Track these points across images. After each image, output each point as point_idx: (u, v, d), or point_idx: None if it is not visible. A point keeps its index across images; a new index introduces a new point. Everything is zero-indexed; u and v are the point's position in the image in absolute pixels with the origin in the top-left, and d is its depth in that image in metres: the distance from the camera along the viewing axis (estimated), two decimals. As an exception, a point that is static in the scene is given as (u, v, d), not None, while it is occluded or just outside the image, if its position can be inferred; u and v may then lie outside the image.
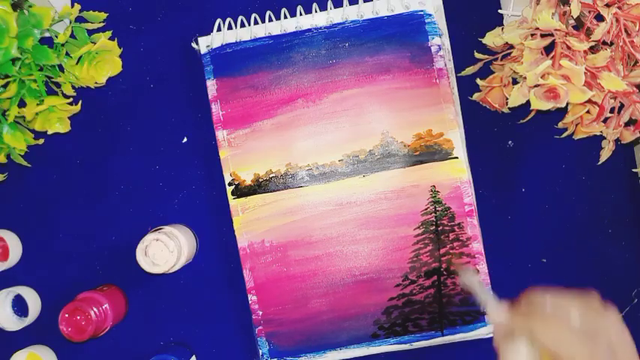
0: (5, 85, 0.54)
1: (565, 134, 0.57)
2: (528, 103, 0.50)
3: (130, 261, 0.56)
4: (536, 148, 0.59)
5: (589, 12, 0.48)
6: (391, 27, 0.56)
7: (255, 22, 0.57)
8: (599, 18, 0.47)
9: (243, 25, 0.57)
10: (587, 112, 0.52)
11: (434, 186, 0.56)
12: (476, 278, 0.48)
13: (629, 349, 0.38)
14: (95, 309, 0.54)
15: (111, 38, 0.58)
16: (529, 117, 0.57)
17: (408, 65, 0.56)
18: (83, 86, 0.58)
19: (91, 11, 0.57)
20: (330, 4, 0.57)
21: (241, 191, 0.56)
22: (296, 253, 0.56)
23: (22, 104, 0.55)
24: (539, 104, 0.49)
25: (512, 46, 0.53)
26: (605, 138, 0.55)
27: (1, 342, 0.60)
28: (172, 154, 0.60)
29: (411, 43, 0.56)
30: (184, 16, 0.60)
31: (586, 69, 0.47)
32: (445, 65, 0.56)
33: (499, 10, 0.56)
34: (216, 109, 0.57)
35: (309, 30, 0.56)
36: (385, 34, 0.56)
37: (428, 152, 0.56)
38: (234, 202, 0.56)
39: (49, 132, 0.57)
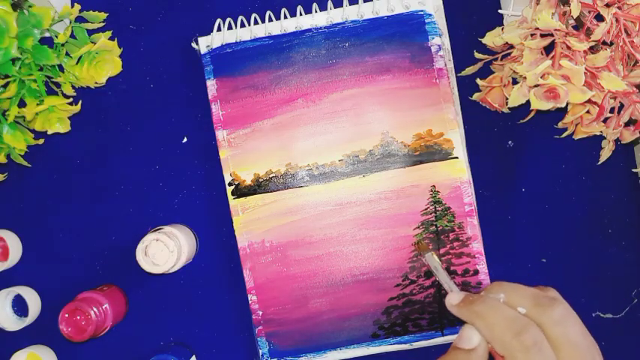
0: (5, 85, 0.54)
1: (565, 134, 0.57)
2: (528, 103, 0.50)
3: (130, 261, 0.56)
4: (536, 148, 0.59)
5: (589, 12, 0.48)
6: (391, 27, 0.56)
7: (255, 22, 0.57)
8: (599, 18, 0.47)
9: (243, 25, 0.57)
10: (587, 112, 0.52)
11: (434, 186, 0.56)
12: (438, 263, 0.49)
13: (572, 343, 0.37)
14: (95, 309, 0.54)
15: (111, 38, 0.58)
16: (529, 117, 0.57)
17: (408, 65, 0.56)
18: (83, 86, 0.58)
19: (91, 11, 0.57)
20: (330, 4, 0.57)
21: (241, 191, 0.56)
22: (296, 253, 0.56)
23: (22, 104, 0.55)
24: (539, 104, 0.49)
25: (512, 46, 0.53)
26: (605, 138, 0.55)
27: (1, 342, 0.60)
28: (172, 154, 0.60)
29: (411, 43, 0.56)
30: (184, 16, 0.60)
31: (586, 69, 0.47)
32: (445, 65, 0.56)
33: (499, 10, 0.56)
34: (216, 109, 0.57)
35: (309, 30, 0.56)
36: (385, 34, 0.56)
37: (428, 152, 0.56)
38: (234, 202, 0.56)
39: (49, 132, 0.57)
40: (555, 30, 0.48)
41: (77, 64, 0.56)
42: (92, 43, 0.56)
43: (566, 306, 0.39)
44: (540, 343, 0.37)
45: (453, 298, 0.42)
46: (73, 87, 0.58)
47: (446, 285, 0.47)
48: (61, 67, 0.57)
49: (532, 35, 0.50)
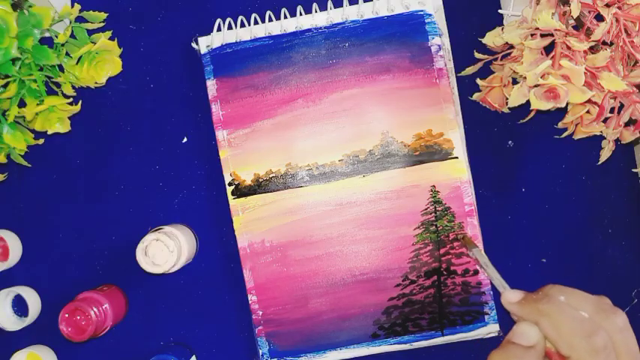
0: (5, 85, 0.54)
1: (565, 134, 0.57)
2: (528, 103, 0.50)
3: (130, 261, 0.56)
4: (536, 148, 0.59)
5: (589, 12, 0.48)
6: (391, 27, 0.56)
7: (255, 22, 0.57)
8: (599, 18, 0.47)
9: (243, 25, 0.57)
10: (587, 112, 0.52)
11: (434, 186, 0.56)
12: (487, 259, 0.48)
13: (632, 352, 0.38)
14: (95, 309, 0.54)
15: (111, 38, 0.58)
16: (529, 117, 0.57)
17: (408, 65, 0.56)
18: (83, 86, 0.58)
19: (91, 11, 0.57)
20: (330, 4, 0.57)
21: (241, 191, 0.56)
22: (296, 253, 0.56)
23: (22, 104, 0.55)
24: (539, 104, 0.49)
25: (512, 46, 0.53)
26: (605, 138, 0.55)
27: (1, 342, 0.60)
28: (172, 154, 0.60)
29: (411, 43, 0.56)
30: (184, 16, 0.60)
31: (586, 69, 0.47)
32: (445, 65, 0.56)
33: (499, 10, 0.56)
34: (216, 109, 0.57)
35: (309, 30, 0.56)
36: (385, 34, 0.56)
37: (428, 152, 0.56)
38: (234, 202, 0.56)
39: (49, 132, 0.57)
40: (555, 30, 0.48)
41: (77, 64, 0.56)
42: (92, 43, 0.56)
43: (625, 315, 0.39)
44: (610, 347, 0.37)
45: (512, 296, 0.41)
46: (73, 87, 0.58)
47: (497, 281, 0.45)
48: (61, 67, 0.57)
49: (532, 35, 0.50)
